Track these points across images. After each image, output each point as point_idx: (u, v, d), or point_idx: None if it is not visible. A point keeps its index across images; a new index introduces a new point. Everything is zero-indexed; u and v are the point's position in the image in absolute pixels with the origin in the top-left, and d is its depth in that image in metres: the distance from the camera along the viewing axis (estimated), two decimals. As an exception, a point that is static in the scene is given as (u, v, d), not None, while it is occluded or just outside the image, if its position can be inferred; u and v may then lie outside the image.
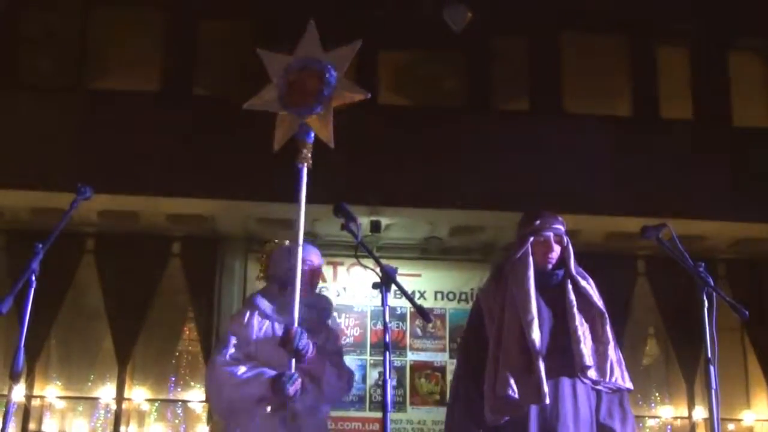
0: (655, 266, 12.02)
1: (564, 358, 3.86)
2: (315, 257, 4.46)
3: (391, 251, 12.29)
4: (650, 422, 12.86)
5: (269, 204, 11.18)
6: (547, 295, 3.96)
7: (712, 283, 3.71)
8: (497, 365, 3.79)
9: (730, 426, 12.38)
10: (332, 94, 4.16)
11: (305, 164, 4.20)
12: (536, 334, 3.79)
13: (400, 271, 12.76)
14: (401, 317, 12.19)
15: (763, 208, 11.23)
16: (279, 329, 4.19)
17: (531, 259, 4.00)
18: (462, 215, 11.51)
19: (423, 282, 12.31)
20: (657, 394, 12.90)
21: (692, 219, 11.15)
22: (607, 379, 3.88)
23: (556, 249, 4.06)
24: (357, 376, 11.72)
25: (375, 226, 11.68)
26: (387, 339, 3.61)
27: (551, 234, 4.06)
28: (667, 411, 12.74)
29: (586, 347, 3.87)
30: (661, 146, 11.40)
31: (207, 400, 4.57)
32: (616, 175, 10.99)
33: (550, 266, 4.05)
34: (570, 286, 4.01)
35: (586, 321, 3.94)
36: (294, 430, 3.96)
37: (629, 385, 3.98)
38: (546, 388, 3.72)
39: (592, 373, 3.85)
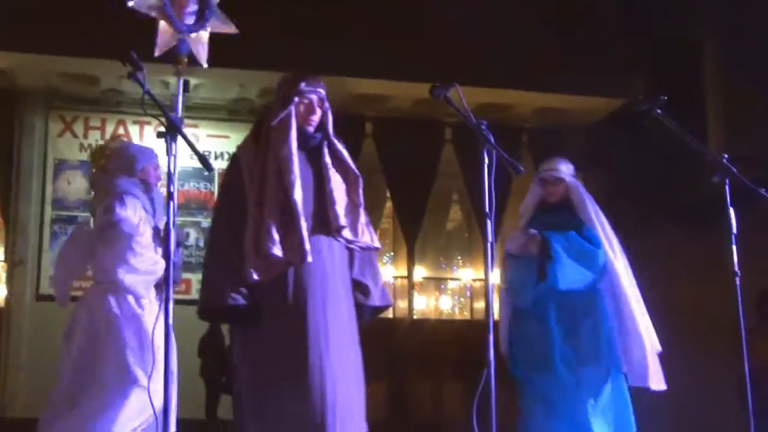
0: (461, 133, 12.33)
1: (320, 217, 3.97)
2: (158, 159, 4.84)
3: (200, 112, 12.15)
4: (452, 284, 13.44)
5: (72, 59, 10.78)
6: (305, 156, 4.04)
7: (492, 141, 3.86)
8: (260, 224, 3.84)
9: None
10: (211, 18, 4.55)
11: (182, 76, 4.56)
12: (298, 194, 3.88)
13: (208, 132, 12.62)
14: (209, 178, 12.14)
15: (567, 79, 11.65)
16: (153, 222, 4.75)
17: (294, 120, 4.05)
18: (272, 77, 11.37)
19: (232, 143, 12.21)
20: (459, 258, 13.45)
21: (497, 88, 11.50)
22: (360, 239, 4.03)
23: (318, 112, 4.13)
24: (163, 237, 11.63)
25: (183, 86, 11.51)
26: (172, 189, 3.58)
27: (315, 97, 4.12)
28: (468, 273, 13.32)
29: (341, 207, 4.00)
30: (466, 15, 11.53)
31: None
32: (421, 42, 11.11)
33: (311, 129, 4.11)
34: (327, 149, 4.11)
35: (342, 183, 4.07)
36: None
37: (377, 244, 4.17)
38: (308, 246, 3.83)
39: (346, 233, 3.99)
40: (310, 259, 3.81)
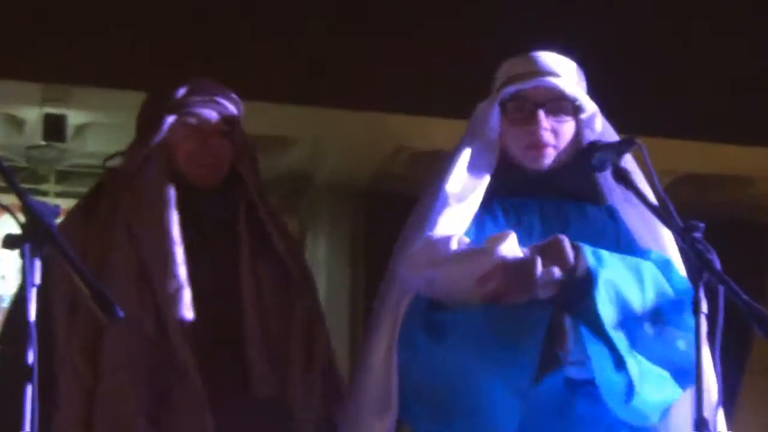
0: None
1: (225, 347, 3.37)
2: None
3: (84, 181, 10.40)
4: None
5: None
6: (195, 234, 3.40)
7: (718, 267, 2.77)
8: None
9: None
10: None
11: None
12: (187, 312, 3.27)
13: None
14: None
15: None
16: None
17: (165, 164, 3.35)
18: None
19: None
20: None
21: (717, 142, 9.91)
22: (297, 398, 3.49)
23: (220, 142, 3.41)
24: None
25: (55, 127, 9.79)
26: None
27: (212, 113, 3.38)
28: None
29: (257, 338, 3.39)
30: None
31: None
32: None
33: (206, 177, 3.43)
34: (244, 225, 3.45)
35: (271, 293, 3.47)
36: None
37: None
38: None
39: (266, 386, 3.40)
40: None
